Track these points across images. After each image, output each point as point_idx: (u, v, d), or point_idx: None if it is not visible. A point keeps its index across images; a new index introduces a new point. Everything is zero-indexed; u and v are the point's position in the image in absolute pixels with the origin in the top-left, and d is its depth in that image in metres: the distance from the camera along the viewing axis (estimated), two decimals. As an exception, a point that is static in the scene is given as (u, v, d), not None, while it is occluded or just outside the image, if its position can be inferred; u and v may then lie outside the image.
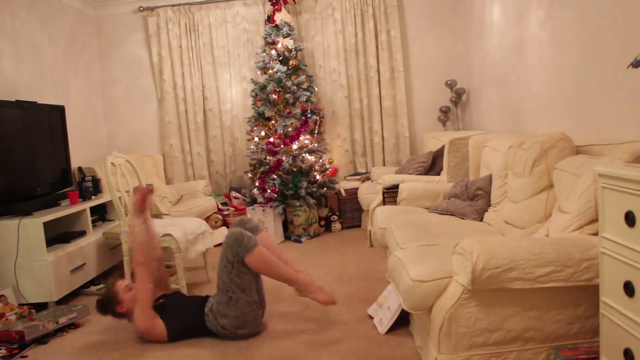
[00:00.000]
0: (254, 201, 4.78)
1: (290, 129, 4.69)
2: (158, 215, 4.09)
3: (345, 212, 4.99)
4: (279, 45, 4.79)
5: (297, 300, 2.97)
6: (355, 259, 3.86)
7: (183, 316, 2.62)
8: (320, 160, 4.89)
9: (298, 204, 4.63)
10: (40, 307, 3.17)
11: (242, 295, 2.50)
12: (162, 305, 2.65)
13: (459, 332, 1.87)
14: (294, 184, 4.65)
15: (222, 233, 4.69)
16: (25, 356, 2.60)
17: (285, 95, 4.71)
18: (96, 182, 4.07)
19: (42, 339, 2.75)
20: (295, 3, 5.06)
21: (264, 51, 4.87)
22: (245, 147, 5.27)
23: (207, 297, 2.70)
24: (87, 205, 3.71)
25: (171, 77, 5.33)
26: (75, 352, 2.61)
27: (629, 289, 1.43)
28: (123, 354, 2.55)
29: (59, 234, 3.53)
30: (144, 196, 2.84)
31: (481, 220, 3.08)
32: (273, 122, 4.73)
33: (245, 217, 2.73)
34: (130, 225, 2.80)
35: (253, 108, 4.92)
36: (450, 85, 5.01)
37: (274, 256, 2.57)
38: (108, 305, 2.64)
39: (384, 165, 5.26)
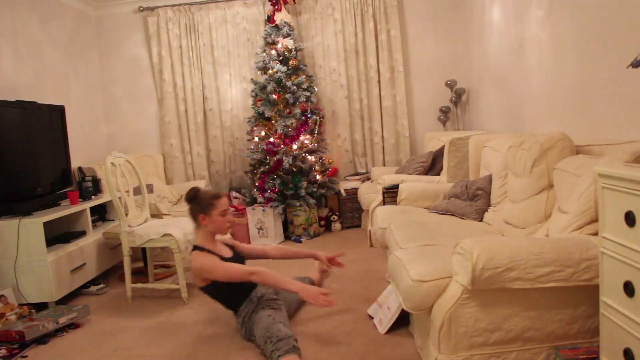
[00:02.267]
0: (254, 201, 4.78)
1: (290, 129, 4.69)
2: (158, 215, 4.09)
3: (345, 212, 4.99)
4: (279, 45, 4.79)
5: (295, 300, 2.97)
6: (355, 259, 3.86)
7: (231, 288, 2.55)
8: (320, 160, 4.89)
9: (298, 204, 4.63)
10: (40, 307, 3.17)
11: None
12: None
13: (459, 332, 1.87)
14: (294, 184, 4.65)
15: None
16: (26, 356, 2.60)
17: (285, 95, 4.71)
18: (96, 182, 4.07)
19: (42, 339, 2.75)
20: (295, 3, 5.06)
21: (264, 51, 4.87)
22: (245, 147, 5.27)
23: (251, 291, 2.61)
24: (87, 205, 3.71)
25: (171, 77, 5.32)
26: (75, 352, 2.61)
27: (628, 289, 1.43)
28: (123, 354, 2.55)
29: (59, 234, 3.53)
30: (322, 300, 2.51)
31: (481, 220, 3.08)
32: (273, 122, 4.73)
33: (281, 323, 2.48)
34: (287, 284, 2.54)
35: (253, 108, 4.92)
36: (450, 85, 5.01)
37: None
38: (198, 202, 2.60)
39: (384, 165, 5.26)
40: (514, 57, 3.67)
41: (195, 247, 2.62)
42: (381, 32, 5.10)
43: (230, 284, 2.53)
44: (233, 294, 2.58)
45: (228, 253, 2.72)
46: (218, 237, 2.75)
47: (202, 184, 5.09)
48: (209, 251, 2.59)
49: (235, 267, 2.54)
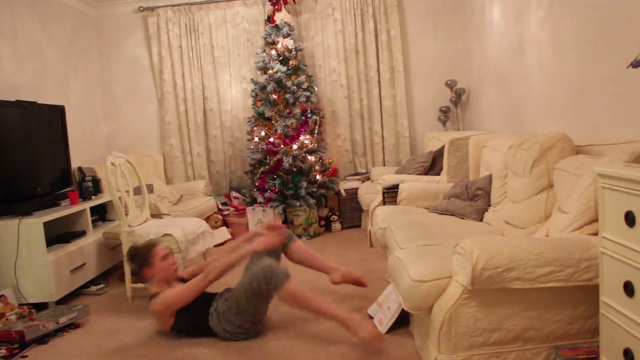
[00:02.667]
0: (254, 201, 4.78)
1: (290, 129, 4.69)
2: (158, 215, 4.09)
3: (345, 212, 4.99)
4: (279, 45, 4.79)
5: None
6: (355, 259, 3.86)
7: (190, 310, 2.59)
8: (320, 160, 4.89)
9: (298, 204, 4.63)
10: (40, 307, 3.17)
11: (253, 312, 2.51)
12: None
13: (459, 332, 1.87)
14: (294, 184, 4.65)
15: (222, 233, 4.69)
16: (26, 356, 2.60)
17: (285, 95, 4.71)
18: (96, 182, 4.07)
19: (42, 339, 2.75)
20: (295, 3, 5.06)
21: (264, 51, 4.87)
22: (245, 147, 5.27)
23: (214, 295, 2.66)
24: (87, 205, 3.71)
25: (171, 77, 5.33)
26: (75, 352, 2.61)
27: (628, 288, 1.43)
28: (123, 353, 2.54)
29: (59, 234, 3.53)
30: (280, 242, 2.63)
31: (481, 220, 3.08)
32: (273, 122, 4.73)
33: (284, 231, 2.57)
34: (240, 254, 2.60)
35: (253, 108, 4.92)
36: (450, 85, 5.01)
37: (305, 292, 2.41)
38: (138, 259, 2.65)
39: (384, 165, 5.26)
40: (514, 57, 3.67)
41: (152, 296, 2.63)
42: (381, 32, 5.11)
43: (187, 311, 2.56)
44: (197, 315, 2.58)
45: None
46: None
47: (202, 184, 5.10)
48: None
49: (188, 284, 2.56)
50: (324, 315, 2.42)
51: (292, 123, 4.67)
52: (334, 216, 4.96)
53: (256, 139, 4.82)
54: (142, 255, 2.67)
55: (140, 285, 3.35)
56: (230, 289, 2.65)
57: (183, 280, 2.77)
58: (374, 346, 2.29)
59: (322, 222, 4.94)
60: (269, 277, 2.38)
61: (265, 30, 4.91)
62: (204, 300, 2.62)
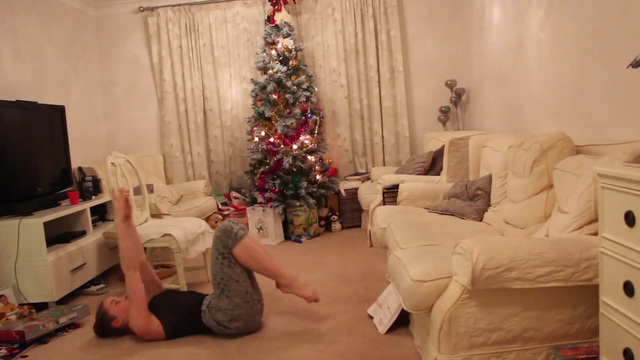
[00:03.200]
0: (254, 201, 4.79)
1: (290, 129, 4.70)
2: (158, 215, 4.09)
3: (345, 212, 5.00)
4: (279, 45, 4.79)
5: (297, 300, 2.97)
6: (355, 259, 3.86)
7: (178, 312, 2.65)
8: (320, 160, 4.89)
9: (298, 204, 4.63)
10: (40, 307, 3.17)
11: (234, 286, 2.53)
12: (154, 304, 2.68)
13: (458, 332, 1.87)
14: (294, 184, 4.65)
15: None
16: (26, 356, 2.60)
17: (285, 96, 4.71)
18: (96, 182, 4.07)
19: (43, 339, 2.75)
20: (295, 3, 5.06)
21: (264, 51, 4.87)
22: (245, 147, 5.27)
23: (205, 295, 2.72)
24: (87, 205, 3.71)
25: (171, 77, 5.33)
26: (75, 352, 2.61)
27: (628, 288, 1.43)
28: (123, 353, 2.55)
29: (59, 234, 3.53)
30: (126, 201, 2.79)
31: (481, 220, 3.09)
32: (273, 122, 4.73)
33: (229, 222, 2.72)
34: (117, 231, 2.76)
35: (253, 108, 4.92)
36: (450, 85, 5.01)
37: (260, 249, 2.61)
38: (104, 326, 2.71)
39: (384, 165, 5.26)
40: (514, 57, 3.68)
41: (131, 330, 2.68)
42: (381, 32, 5.11)
43: (175, 313, 2.64)
44: (187, 316, 2.64)
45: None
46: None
47: (202, 184, 5.10)
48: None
49: (134, 314, 2.63)
50: (274, 275, 2.63)
51: (292, 123, 4.67)
52: (334, 216, 4.96)
53: (256, 139, 4.82)
54: (103, 324, 2.70)
55: (140, 285, 3.35)
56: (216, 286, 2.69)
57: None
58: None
59: (322, 222, 4.94)
60: (229, 231, 2.54)
61: (265, 30, 4.91)
62: (192, 299, 2.69)
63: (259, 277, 2.70)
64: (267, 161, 4.75)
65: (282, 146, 4.67)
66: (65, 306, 3.10)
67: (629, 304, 1.44)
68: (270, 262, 2.62)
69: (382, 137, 5.25)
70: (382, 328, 2.51)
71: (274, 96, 4.71)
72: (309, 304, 2.82)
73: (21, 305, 3.10)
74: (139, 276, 2.67)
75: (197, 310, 2.62)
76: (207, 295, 2.70)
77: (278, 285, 2.68)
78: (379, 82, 5.19)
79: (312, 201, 4.66)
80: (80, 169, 4.35)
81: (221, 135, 5.41)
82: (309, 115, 4.85)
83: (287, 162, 4.61)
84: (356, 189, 4.88)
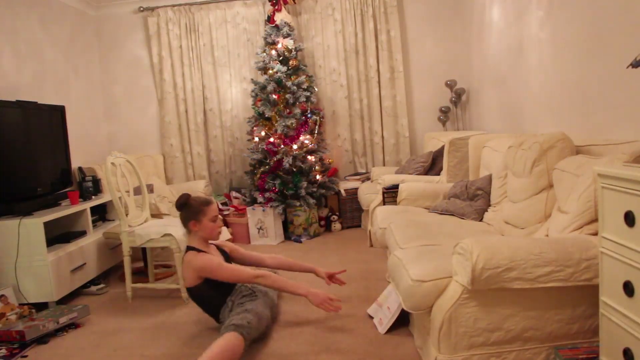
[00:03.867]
0: (254, 201, 4.79)
1: (290, 129, 4.70)
2: (158, 215, 4.09)
3: (345, 212, 5.00)
4: (279, 46, 4.79)
5: (296, 300, 2.97)
6: (355, 259, 3.86)
7: (217, 289, 2.60)
8: (320, 160, 4.89)
9: (298, 204, 4.63)
10: (40, 307, 3.17)
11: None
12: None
13: (458, 332, 1.87)
14: (294, 184, 4.65)
15: (222, 233, 4.68)
16: (26, 356, 2.60)
17: (285, 96, 4.71)
18: (96, 182, 4.07)
19: (43, 339, 2.75)
20: (295, 3, 5.06)
21: (264, 51, 4.87)
22: (245, 147, 5.27)
23: (234, 285, 2.65)
24: (87, 205, 3.72)
25: (171, 77, 5.33)
26: (75, 352, 2.61)
27: (628, 288, 1.43)
28: (123, 353, 2.55)
29: (59, 234, 3.53)
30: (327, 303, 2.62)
31: (481, 220, 3.09)
32: (273, 122, 4.74)
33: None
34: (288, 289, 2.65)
35: (253, 108, 4.92)
36: (450, 85, 5.01)
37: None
38: (189, 210, 2.65)
39: (384, 165, 5.26)
40: (514, 57, 3.68)
41: (189, 248, 2.65)
42: (381, 32, 5.11)
43: (215, 287, 2.59)
44: (215, 296, 2.61)
45: (220, 257, 2.77)
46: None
47: (202, 184, 5.10)
48: (202, 252, 2.64)
49: (242, 269, 2.60)
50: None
51: (292, 123, 4.67)
52: (334, 216, 4.96)
53: (256, 139, 4.82)
54: (194, 208, 2.67)
55: (140, 285, 3.35)
56: (246, 286, 2.68)
57: (219, 250, 2.83)
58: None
59: (322, 222, 4.94)
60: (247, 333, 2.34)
61: (265, 31, 4.91)
62: (228, 286, 2.63)
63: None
64: (267, 161, 4.75)
65: (282, 146, 4.67)
66: (66, 306, 3.10)
67: (629, 304, 1.44)
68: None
69: (382, 137, 5.25)
70: (382, 328, 2.51)
71: (274, 96, 4.71)
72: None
73: (21, 305, 3.10)
74: (249, 280, 2.59)
75: (223, 300, 2.59)
76: (236, 287, 2.63)
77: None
78: (379, 82, 5.19)
79: (312, 201, 4.66)
80: (80, 169, 4.35)
81: (221, 135, 5.41)
82: (309, 115, 4.85)
83: (287, 162, 4.61)
84: (356, 189, 4.89)
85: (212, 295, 2.62)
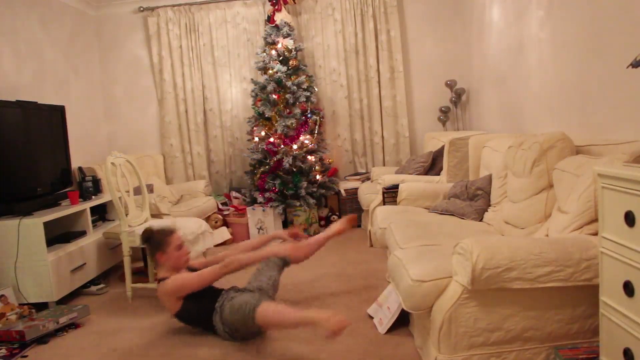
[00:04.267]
0: (254, 201, 4.79)
1: (290, 129, 4.69)
2: (158, 215, 4.09)
3: (345, 212, 4.99)
4: (279, 46, 4.79)
5: (296, 301, 2.97)
6: (355, 259, 3.86)
7: (198, 300, 2.60)
8: (320, 160, 4.89)
9: (298, 204, 4.63)
10: (40, 307, 3.17)
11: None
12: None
13: (458, 331, 1.87)
14: (294, 184, 4.65)
15: (222, 233, 4.69)
16: (26, 356, 2.60)
17: (285, 96, 4.71)
18: (96, 182, 4.07)
19: (43, 339, 2.75)
20: (295, 3, 5.06)
21: (264, 51, 4.87)
22: (245, 147, 5.28)
23: (220, 290, 2.66)
24: (87, 205, 3.71)
25: (171, 77, 5.33)
26: (75, 352, 2.61)
27: (628, 288, 1.43)
28: (123, 353, 2.55)
29: (59, 234, 3.53)
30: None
31: (481, 220, 3.09)
32: (273, 122, 4.73)
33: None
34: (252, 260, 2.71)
35: (253, 108, 4.92)
36: (450, 85, 5.01)
37: (279, 306, 2.39)
38: (153, 242, 2.68)
39: (384, 165, 5.26)
40: (514, 57, 3.68)
41: (160, 280, 2.65)
42: (381, 32, 5.11)
43: (197, 300, 2.58)
44: (203, 307, 2.59)
45: None
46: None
47: (202, 184, 5.10)
48: None
49: (207, 269, 2.61)
50: (299, 325, 2.41)
51: (292, 123, 4.67)
52: (334, 216, 4.96)
53: (256, 139, 4.83)
54: (157, 240, 2.69)
55: (140, 285, 3.35)
56: (235, 287, 2.68)
57: (193, 269, 2.79)
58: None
59: (322, 222, 4.94)
60: (243, 311, 2.41)
61: (265, 31, 4.91)
62: (211, 294, 2.63)
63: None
64: (267, 161, 4.75)
65: (282, 146, 4.67)
66: (65, 306, 3.10)
67: (629, 304, 1.44)
68: (289, 318, 2.35)
69: (382, 137, 5.25)
70: (382, 328, 2.51)
71: (274, 96, 4.71)
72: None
73: (21, 305, 3.10)
74: (219, 277, 2.62)
75: (211, 308, 2.57)
76: (223, 292, 2.63)
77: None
78: (379, 82, 5.19)
79: (312, 201, 4.66)
80: (80, 169, 4.35)
81: (221, 135, 5.41)
82: (309, 115, 4.85)
83: (287, 162, 4.61)
84: (356, 189, 4.88)
85: (200, 309, 2.60)
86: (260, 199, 4.68)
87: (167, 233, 2.71)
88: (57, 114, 3.91)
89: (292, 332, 2.61)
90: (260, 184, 4.74)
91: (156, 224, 2.79)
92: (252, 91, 4.93)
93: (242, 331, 2.49)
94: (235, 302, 2.49)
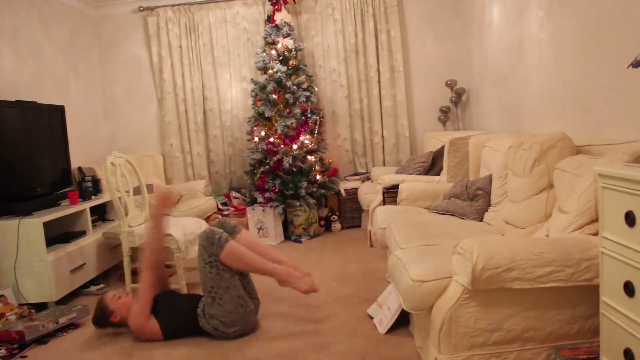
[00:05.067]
0: (254, 201, 4.78)
1: (290, 129, 4.69)
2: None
3: (345, 212, 4.99)
4: (279, 45, 4.79)
5: (296, 301, 2.97)
6: (355, 259, 3.86)
7: (175, 315, 2.64)
8: (320, 160, 4.89)
9: (298, 204, 4.63)
10: (40, 307, 3.17)
11: (225, 294, 2.51)
12: (155, 304, 2.67)
13: (459, 332, 1.87)
14: (294, 184, 4.65)
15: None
16: (25, 356, 2.60)
17: (285, 95, 4.71)
18: (96, 182, 4.07)
19: (42, 339, 2.75)
20: (295, 3, 5.06)
21: (264, 51, 4.87)
22: (245, 147, 5.27)
23: (199, 297, 2.70)
24: (87, 205, 3.71)
25: (171, 77, 5.33)
26: (75, 352, 2.61)
27: (629, 289, 1.43)
28: (123, 353, 2.54)
29: (59, 234, 3.53)
30: (165, 201, 2.77)
31: (481, 220, 3.08)
32: (273, 122, 4.73)
33: (223, 219, 2.77)
34: (146, 227, 2.75)
35: (253, 108, 4.92)
36: (450, 85, 5.01)
37: (248, 250, 2.56)
38: (102, 319, 2.71)
39: (384, 165, 5.26)
40: (514, 57, 3.67)
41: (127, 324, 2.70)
42: (381, 32, 5.10)
43: (173, 313, 2.64)
44: (183, 317, 2.63)
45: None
46: None
47: (202, 184, 5.10)
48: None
49: (140, 288, 2.67)
50: (266, 272, 2.58)
51: (292, 123, 4.67)
52: (334, 216, 4.96)
53: (256, 139, 4.82)
54: (102, 317, 2.71)
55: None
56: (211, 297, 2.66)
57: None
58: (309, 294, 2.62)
59: (322, 222, 4.93)
60: (211, 237, 2.50)
61: (265, 30, 4.91)
62: (190, 302, 2.67)
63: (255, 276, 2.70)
64: (267, 161, 4.75)
65: (282, 146, 4.67)
66: (65, 306, 3.10)
67: (630, 304, 1.43)
68: (259, 262, 2.56)
69: (382, 137, 5.25)
70: (382, 328, 2.51)
71: (274, 96, 4.70)
72: (307, 295, 2.76)
73: (21, 305, 3.10)
74: (151, 274, 2.66)
75: (194, 314, 2.61)
76: (202, 297, 2.66)
77: (277, 281, 2.65)
78: (379, 82, 5.19)
79: (312, 201, 4.66)
80: (80, 169, 4.34)
81: (221, 135, 5.41)
82: (309, 115, 4.85)
83: (287, 162, 4.61)
84: (356, 189, 4.88)
85: (180, 320, 2.63)
86: (260, 199, 4.68)
87: (100, 306, 2.71)
88: (56, 113, 3.91)
89: (293, 332, 2.61)
90: (260, 184, 4.73)
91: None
92: (252, 91, 4.93)
93: (213, 276, 2.51)
94: (201, 233, 2.55)
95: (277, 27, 4.84)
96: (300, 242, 4.60)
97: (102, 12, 5.37)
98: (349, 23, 5.14)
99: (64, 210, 3.45)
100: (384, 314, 2.57)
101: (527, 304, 1.87)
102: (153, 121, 5.48)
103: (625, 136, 2.30)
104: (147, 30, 5.33)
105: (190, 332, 2.63)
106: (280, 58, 4.80)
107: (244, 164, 5.36)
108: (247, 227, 4.74)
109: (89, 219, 3.74)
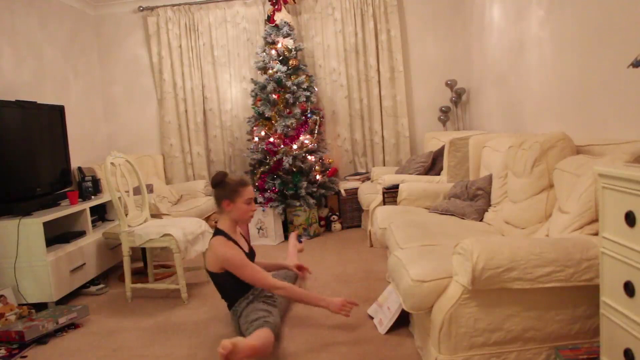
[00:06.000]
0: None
1: (290, 129, 4.69)
2: (158, 215, 4.09)
3: (345, 212, 4.99)
4: (279, 45, 4.79)
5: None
6: (355, 259, 3.86)
7: (234, 288, 2.56)
8: (320, 160, 4.89)
9: (298, 204, 4.63)
10: (40, 307, 3.16)
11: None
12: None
13: (459, 332, 1.87)
14: (294, 184, 4.65)
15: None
16: (25, 356, 2.60)
17: (285, 95, 4.71)
18: (96, 182, 4.07)
19: (42, 339, 2.75)
20: (295, 3, 5.05)
21: (264, 51, 4.87)
22: (245, 147, 5.27)
23: (249, 288, 2.59)
24: (86, 205, 3.71)
25: (171, 77, 5.32)
26: (75, 353, 2.61)
27: (629, 289, 1.43)
28: (122, 353, 2.54)
29: (59, 234, 3.53)
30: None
31: (481, 220, 3.08)
32: (273, 122, 4.73)
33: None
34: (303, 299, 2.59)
35: (253, 108, 4.91)
36: (451, 85, 5.01)
37: (270, 337, 2.30)
38: (225, 189, 2.57)
39: (384, 165, 5.25)
40: (514, 56, 3.67)
41: (219, 232, 2.58)
42: (381, 32, 5.10)
43: (238, 281, 2.52)
44: (237, 288, 2.56)
45: (245, 246, 2.71)
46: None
47: (201, 184, 5.10)
48: (231, 239, 2.56)
49: (263, 275, 2.50)
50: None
51: (292, 123, 4.66)
52: (334, 216, 4.96)
53: (256, 139, 4.82)
54: (230, 188, 2.58)
55: (140, 285, 3.35)
56: (273, 296, 2.64)
57: (243, 237, 2.76)
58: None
59: (322, 222, 4.93)
60: (248, 323, 2.39)
61: (265, 30, 4.91)
62: (241, 290, 2.57)
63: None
64: (267, 161, 4.74)
65: (282, 146, 4.67)
66: (65, 306, 3.10)
67: (630, 304, 1.43)
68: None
69: (382, 137, 5.25)
70: (382, 328, 2.51)
71: (274, 96, 4.70)
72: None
73: (20, 305, 3.10)
74: (270, 287, 2.52)
75: (234, 300, 2.55)
76: (251, 290, 2.57)
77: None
78: (379, 82, 5.19)
79: (312, 201, 4.65)
80: (79, 169, 4.34)
81: (221, 135, 5.41)
82: (309, 115, 4.85)
83: (287, 162, 4.61)
84: (356, 189, 4.88)
85: (234, 287, 2.55)
86: (260, 199, 4.67)
87: (241, 183, 2.60)
88: (56, 113, 3.91)
89: (292, 332, 2.61)
90: (260, 184, 4.73)
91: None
92: (252, 91, 4.93)
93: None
94: (251, 314, 2.44)
95: (277, 27, 4.84)
96: (300, 242, 4.59)
97: (101, 12, 5.37)
98: (349, 23, 5.14)
99: (64, 210, 3.44)
100: (384, 314, 2.57)
101: (528, 304, 1.87)
102: (153, 121, 5.48)
103: (626, 136, 2.29)
104: (147, 30, 5.33)
105: (226, 297, 2.61)
106: (280, 58, 4.80)
107: (244, 164, 5.36)
108: (247, 227, 4.73)
109: (89, 219, 3.74)
